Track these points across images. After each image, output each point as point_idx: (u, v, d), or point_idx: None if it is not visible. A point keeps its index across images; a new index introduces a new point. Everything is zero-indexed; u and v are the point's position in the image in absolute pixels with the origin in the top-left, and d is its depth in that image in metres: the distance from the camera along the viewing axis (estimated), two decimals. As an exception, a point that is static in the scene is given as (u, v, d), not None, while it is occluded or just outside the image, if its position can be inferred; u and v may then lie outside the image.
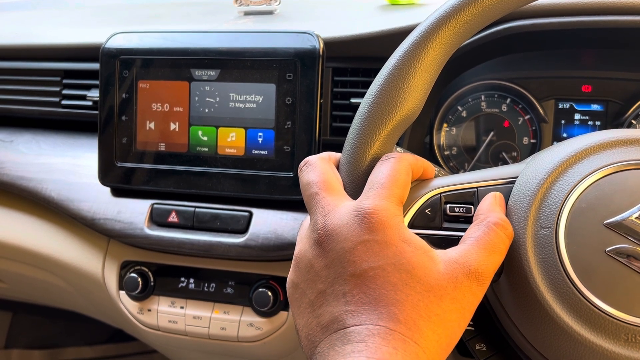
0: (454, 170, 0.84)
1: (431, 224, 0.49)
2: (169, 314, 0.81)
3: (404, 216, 0.49)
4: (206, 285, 0.81)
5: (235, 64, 0.77)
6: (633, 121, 0.77)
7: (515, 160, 0.81)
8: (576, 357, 0.43)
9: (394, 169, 0.47)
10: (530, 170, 0.48)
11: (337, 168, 0.52)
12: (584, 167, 0.46)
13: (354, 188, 0.48)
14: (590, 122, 0.80)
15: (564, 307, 0.43)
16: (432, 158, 0.84)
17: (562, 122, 0.81)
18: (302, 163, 0.51)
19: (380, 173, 0.47)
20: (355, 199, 0.46)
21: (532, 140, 0.81)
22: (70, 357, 1.57)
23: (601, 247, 0.43)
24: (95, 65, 0.84)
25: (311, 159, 0.50)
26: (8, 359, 1.54)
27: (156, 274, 0.82)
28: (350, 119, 0.77)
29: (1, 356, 1.54)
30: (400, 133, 0.51)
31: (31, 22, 1.09)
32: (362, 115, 0.49)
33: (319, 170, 0.49)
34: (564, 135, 0.81)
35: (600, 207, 0.44)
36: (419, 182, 0.51)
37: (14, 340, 1.57)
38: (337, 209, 0.45)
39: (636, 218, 0.43)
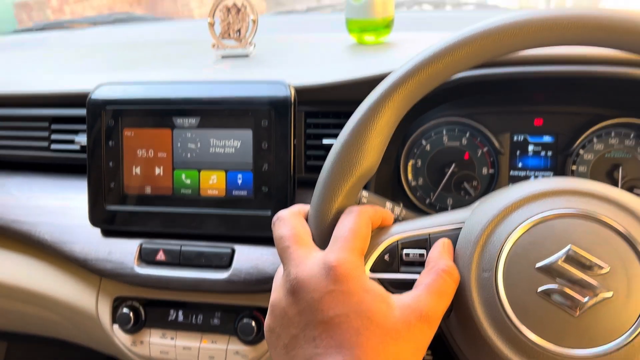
0: (421, 199, 0.87)
1: (389, 268, 0.52)
2: (160, 345, 0.83)
3: (366, 262, 0.52)
4: (194, 317, 0.83)
5: (214, 112, 0.80)
6: (581, 151, 0.81)
7: (476, 189, 0.85)
8: None
9: (355, 223, 0.50)
10: (474, 218, 0.52)
11: (307, 220, 0.54)
12: (519, 216, 0.49)
13: (322, 239, 0.52)
14: (542, 153, 0.84)
15: (505, 342, 0.45)
16: (400, 189, 0.87)
17: (517, 152, 0.85)
18: (274, 218, 0.54)
19: (344, 227, 0.50)
20: (323, 249, 0.49)
21: (490, 171, 0.85)
22: None
23: (534, 288, 0.46)
24: (82, 111, 0.86)
25: (282, 214, 0.54)
26: None
27: (147, 308, 0.84)
28: (322, 158, 0.80)
29: None
30: (361, 187, 0.54)
31: (18, 67, 1.10)
32: (326, 173, 0.53)
33: (289, 224, 0.52)
34: (520, 165, 0.85)
35: (533, 252, 0.47)
36: (379, 229, 0.55)
37: None
38: (307, 261, 0.48)
39: (562, 261, 0.46)
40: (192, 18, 8.07)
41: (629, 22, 0.51)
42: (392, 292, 0.48)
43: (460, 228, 0.52)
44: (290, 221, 0.53)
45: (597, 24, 0.51)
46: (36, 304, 0.93)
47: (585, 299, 0.45)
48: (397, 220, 0.58)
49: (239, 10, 0.95)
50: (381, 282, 0.51)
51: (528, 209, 0.50)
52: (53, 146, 0.94)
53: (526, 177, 0.86)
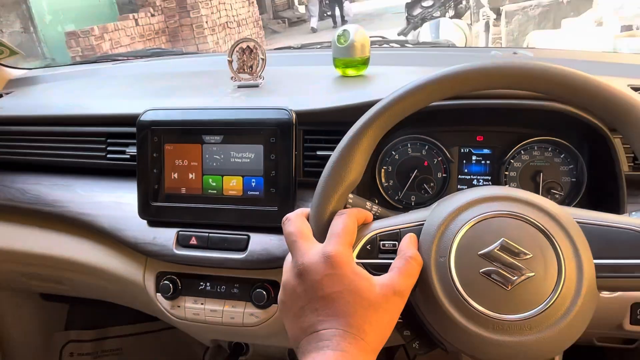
0: (392, 196, 0.88)
1: (370, 255, 0.53)
2: (193, 309, 0.84)
3: (353, 251, 0.52)
4: (219, 287, 0.84)
5: (234, 132, 0.81)
6: (512, 160, 0.83)
7: (432, 189, 0.86)
8: (464, 341, 0.48)
9: (345, 222, 0.51)
10: (432, 217, 0.53)
11: (308, 219, 0.55)
12: (465, 216, 0.51)
13: (320, 235, 0.53)
14: (482, 162, 0.85)
15: (456, 310, 0.48)
16: (375, 188, 0.88)
17: (464, 162, 0.86)
18: (284, 219, 0.55)
19: (337, 226, 0.51)
20: (321, 243, 0.50)
21: (443, 175, 0.86)
22: (115, 334, 1.58)
23: (477, 269, 0.48)
24: (132, 129, 0.88)
25: (290, 216, 0.55)
26: (67, 338, 1.56)
27: (182, 280, 0.85)
28: (317, 165, 0.82)
29: (61, 336, 1.55)
30: (348, 194, 0.55)
31: (79, 93, 1.10)
32: (321, 185, 0.54)
33: (295, 224, 0.53)
34: (465, 170, 0.86)
35: (476, 243, 0.49)
36: (362, 226, 0.55)
37: (71, 324, 1.58)
38: (310, 251, 0.49)
39: (497, 250, 0.48)
40: (206, 42, 8.00)
41: (538, 72, 0.52)
42: (373, 274, 0.49)
43: (423, 224, 0.53)
44: (295, 221, 0.54)
45: (515, 73, 0.53)
46: (97, 276, 0.94)
47: (515, 278, 0.48)
48: (375, 215, 0.59)
49: (251, 51, 0.96)
50: (364, 266, 0.51)
51: (472, 211, 0.52)
52: (109, 156, 0.95)
53: (470, 180, 0.86)
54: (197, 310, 0.84)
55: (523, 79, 0.53)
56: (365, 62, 1.00)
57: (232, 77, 0.98)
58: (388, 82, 0.97)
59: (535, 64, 0.53)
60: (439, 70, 0.54)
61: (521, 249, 0.49)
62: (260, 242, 0.81)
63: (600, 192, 0.79)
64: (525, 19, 6.69)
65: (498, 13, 6.97)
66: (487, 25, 7.03)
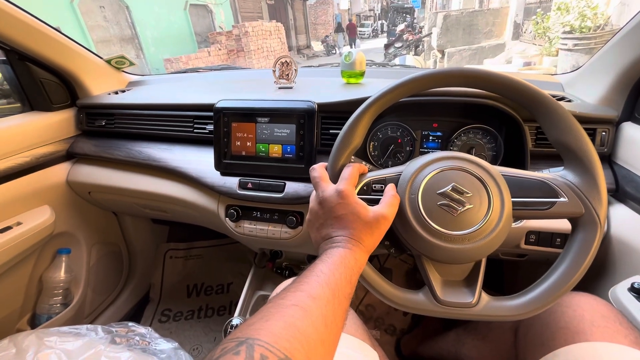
0: (376, 161, 0.85)
1: (366, 193, 0.52)
2: (248, 228, 0.84)
3: (356, 190, 0.51)
4: (265, 214, 0.83)
5: (277, 115, 0.78)
6: (455, 140, 0.79)
7: (403, 157, 0.83)
8: (426, 248, 0.47)
9: (351, 171, 0.50)
10: (407, 170, 0.51)
11: (326, 169, 0.53)
12: (429, 169, 0.50)
13: (334, 178, 0.51)
14: (436, 140, 0.82)
15: (421, 228, 0.47)
16: (366, 156, 0.85)
17: (424, 140, 0.82)
18: (310, 169, 0.53)
19: (345, 173, 0.50)
20: (335, 184, 0.49)
21: (410, 149, 0.83)
22: (198, 246, 1.59)
23: (436, 202, 0.47)
24: (209, 113, 0.85)
25: (315, 166, 0.53)
26: (168, 247, 1.57)
27: (242, 210, 0.84)
28: (330, 139, 0.79)
29: (164, 246, 1.57)
30: (352, 154, 0.53)
31: (175, 91, 1.07)
32: (335, 147, 0.52)
33: (318, 171, 0.52)
34: (425, 146, 0.82)
35: (435, 185, 0.48)
36: (361, 175, 0.53)
37: (171, 238, 1.59)
38: (327, 188, 0.49)
39: (449, 190, 0.48)
40: (252, 65, 7.94)
41: (481, 74, 0.49)
42: (369, 205, 0.48)
43: (399, 175, 0.52)
44: (319, 169, 0.52)
45: (465, 75, 0.49)
46: (187, 207, 0.94)
47: (460, 208, 0.47)
48: (369, 170, 0.57)
49: (288, 64, 0.92)
50: (363, 199, 0.50)
51: (433, 166, 0.50)
52: (195, 130, 0.92)
53: (427, 153, 0.83)
54: (251, 229, 0.84)
55: (474, 80, 0.50)
56: (362, 74, 0.96)
57: (275, 82, 0.95)
58: (375, 86, 0.94)
59: (482, 70, 0.50)
60: (406, 76, 0.51)
61: (464, 189, 0.47)
62: (292, 187, 0.79)
63: (511, 161, 0.77)
64: (460, 58, 6.50)
65: (442, 54, 6.79)
66: (435, 62, 6.86)
